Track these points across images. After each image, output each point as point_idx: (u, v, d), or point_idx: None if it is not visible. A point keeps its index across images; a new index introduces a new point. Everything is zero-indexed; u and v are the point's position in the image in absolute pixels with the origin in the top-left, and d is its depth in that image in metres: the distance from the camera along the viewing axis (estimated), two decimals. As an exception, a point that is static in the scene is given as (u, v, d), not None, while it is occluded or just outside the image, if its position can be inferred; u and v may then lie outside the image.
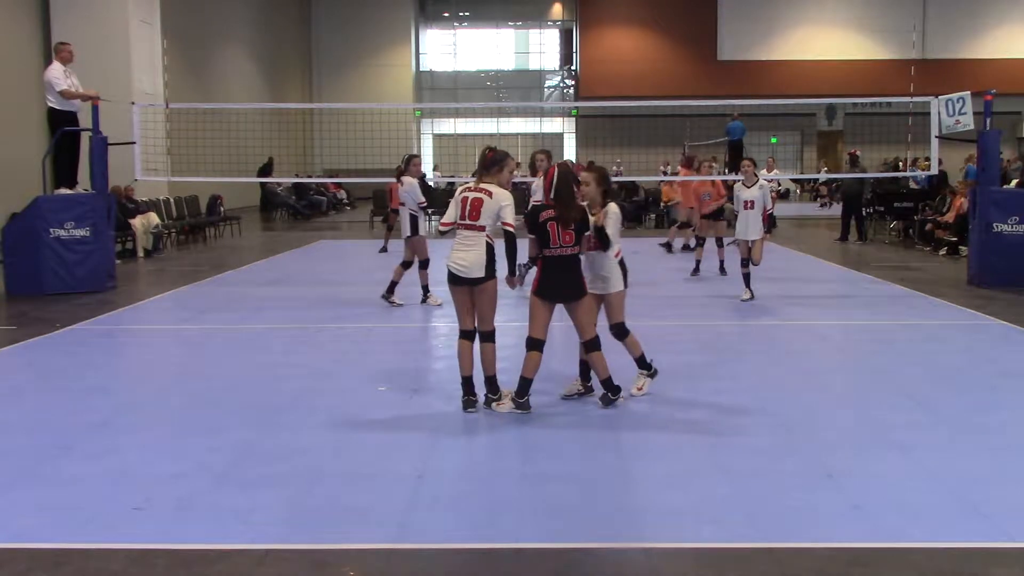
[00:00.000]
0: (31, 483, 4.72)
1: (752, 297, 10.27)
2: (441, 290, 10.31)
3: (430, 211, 10.11)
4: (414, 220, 10.05)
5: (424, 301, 10.14)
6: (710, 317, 9.66)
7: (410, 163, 10.35)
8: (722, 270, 12.53)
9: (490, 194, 5.87)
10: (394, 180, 10.96)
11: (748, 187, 10.27)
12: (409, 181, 10.07)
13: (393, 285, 10.09)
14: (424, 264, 10.12)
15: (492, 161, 5.97)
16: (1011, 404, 6.19)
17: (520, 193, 11.32)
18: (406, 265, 10.10)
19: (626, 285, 6.13)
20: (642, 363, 6.30)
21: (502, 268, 5.91)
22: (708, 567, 3.81)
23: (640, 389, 6.26)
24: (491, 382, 6.00)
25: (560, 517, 4.26)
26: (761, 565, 3.77)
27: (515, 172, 6.32)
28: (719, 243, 12.80)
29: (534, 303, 5.88)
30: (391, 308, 9.91)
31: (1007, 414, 5.92)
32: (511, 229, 5.84)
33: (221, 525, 4.18)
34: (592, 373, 6.14)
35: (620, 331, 6.17)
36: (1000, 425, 5.67)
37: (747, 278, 10.33)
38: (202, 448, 5.25)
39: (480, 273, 5.83)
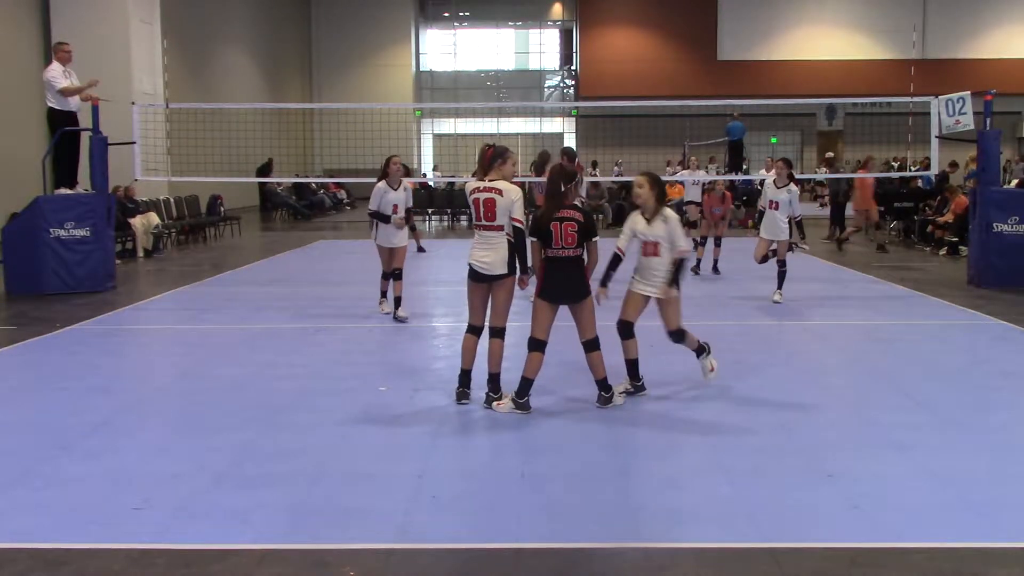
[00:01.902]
0: (31, 483, 4.72)
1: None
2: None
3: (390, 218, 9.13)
4: (376, 224, 9.31)
5: (379, 305, 9.59)
6: (709, 317, 9.65)
7: (388, 164, 9.30)
8: (715, 269, 12.68)
9: (500, 192, 5.90)
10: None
11: (778, 188, 10.23)
12: (379, 184, 9.22)
13: (397, 300, 9.34)
14: (385, 275, 9.44)
15: (494, 156, 5.99)
16: (1011, 404, 6.19)
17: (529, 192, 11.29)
18: (386, 276, 9.45)
19: (679, 287, 6.16)
20: (633, 371, 6.26)
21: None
22: (708, 567, 3.81)
23: (621, 394, 6.16)
24: (494, 380, 6.03)
25: (560, 517, 4.26)
26: (761, 565, 3.77)
27: (517, 164, 6.32)
28: (717, 243, 12.84)
29: (537, 304, 5.89)
30: (388, 307, 9.81)
31: (1007, 414, 5.93)
32: (520, 225, 5.89)
33: (221, 525, 4.18)
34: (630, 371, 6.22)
35: (678, 336, 6.26)
36: (1000, 425, 5.67)
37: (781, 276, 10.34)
38: (202, 448, 5.25)
39: (502, 270, 5.93)
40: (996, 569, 3.76)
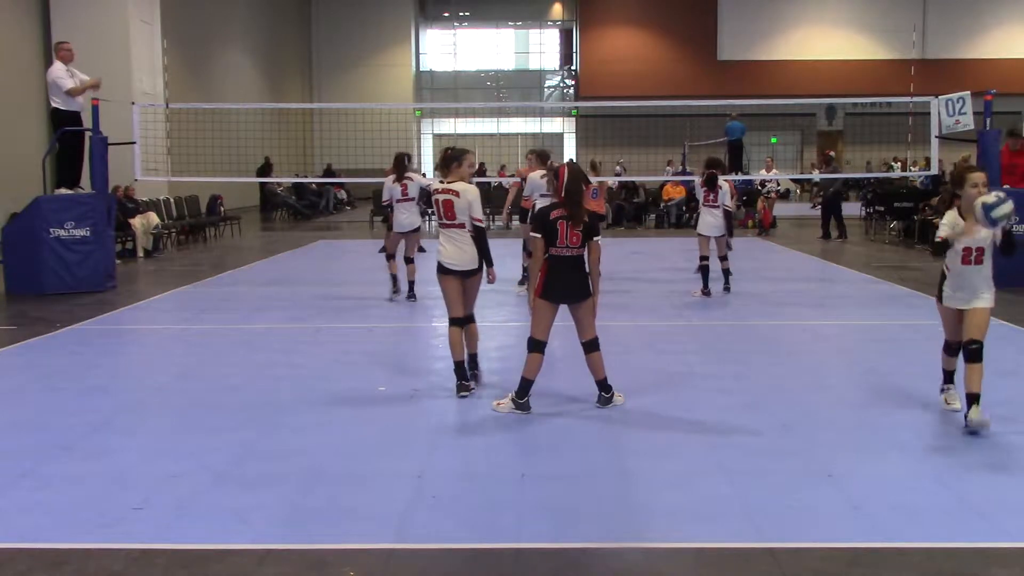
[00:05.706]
0: (31, 483, 4.72)
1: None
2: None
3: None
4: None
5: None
6: (710, 317, 9.65)
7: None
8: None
9: (457, 194, 6.32)
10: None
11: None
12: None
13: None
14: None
15: (450, 158, 6.43)
16: (1011, 404, 6.18)
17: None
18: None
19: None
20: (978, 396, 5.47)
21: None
22: (708, 567, 3.81)
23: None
24: (473, 360, 6.49)
25: (560, 517, 4.26)
26: (761, 565, 3.77)
27: (474, 166, 6.70)
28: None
29: (538, 304, 5.87)
30: (389, 307, 9.78)
31: (1007, 414, 5.92)
32: (480, 224, 6.31)
33: (221, 525, 4.18)
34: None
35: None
36: (1000, 425, 5.66)
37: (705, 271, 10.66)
38: (202, 448, 5.25)
39: (473, 266, 6.34)
40: (996, 569, 3.75)
